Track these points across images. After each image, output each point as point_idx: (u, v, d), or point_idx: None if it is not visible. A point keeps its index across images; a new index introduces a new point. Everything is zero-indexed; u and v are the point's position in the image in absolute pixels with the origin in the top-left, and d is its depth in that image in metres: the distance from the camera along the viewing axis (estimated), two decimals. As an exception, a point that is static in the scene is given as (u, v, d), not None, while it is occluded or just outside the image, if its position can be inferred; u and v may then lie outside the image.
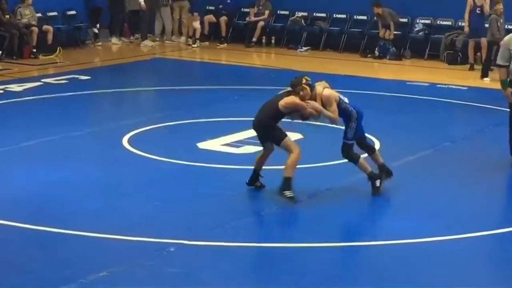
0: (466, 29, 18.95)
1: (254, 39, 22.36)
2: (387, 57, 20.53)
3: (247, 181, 9.80)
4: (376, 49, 20.67)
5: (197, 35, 22.44)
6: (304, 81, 9.55)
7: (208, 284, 7.32)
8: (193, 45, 22.34)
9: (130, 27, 23.10)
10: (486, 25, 18.34)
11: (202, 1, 23.13)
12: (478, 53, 19.64)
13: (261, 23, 22.35)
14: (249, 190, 9.77)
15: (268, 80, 17.74)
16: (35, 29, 19.73)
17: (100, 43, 22.04)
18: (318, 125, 13.00)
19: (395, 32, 20.66)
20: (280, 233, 8.70)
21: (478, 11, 18.75)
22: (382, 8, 20.40)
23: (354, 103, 9.82)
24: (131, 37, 22.96)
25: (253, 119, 9.64)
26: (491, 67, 17.66)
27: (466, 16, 18.88)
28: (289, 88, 9.59)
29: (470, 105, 15.40)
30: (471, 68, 18.98)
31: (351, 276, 7.60)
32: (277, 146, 9.52)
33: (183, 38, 22.99)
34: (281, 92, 9.69)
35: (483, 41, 18.55)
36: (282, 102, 9.44)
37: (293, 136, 12.24)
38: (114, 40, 22.37)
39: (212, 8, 23.23)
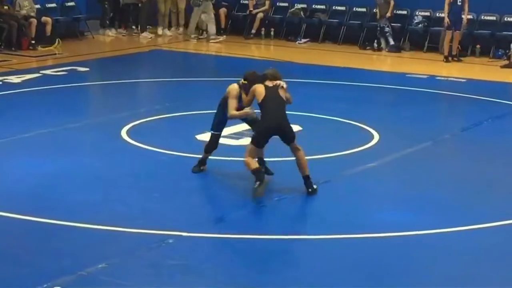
0: (446, 19, 18.96)
1: (253, 31, 22.33)
2: (387, 49, 20.51)
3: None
4: (378, 32, 20.61)
5: (181, 22, 22.50)
6: None
7: (207, 276, 7.32)
8: (199, 36, 22.29)
9: (122, 20, 22.94)
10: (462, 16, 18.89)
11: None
12: (478, 45, 19.69)
13: (260, 15, 22.31)
14: (247, 183, 9.75)
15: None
16: (34, 21, 19.70)
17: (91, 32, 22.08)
18: (316, 117, 13.05)
19: (393, 24, 20.64)
20: (278, 225, 8.69)
21: (459, 3, 18.83)
22: None
23: None
24: (124, 30, 22.80)
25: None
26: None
27: (446, 7, 18.95)
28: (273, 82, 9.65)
29: (469, 97, 15.40)
30: (447, 60, 18.97)
31: (348, 268, 7.60)
32: (291, 143, 9.46)
33: (181, 30, 22.95)
34: (269, 85, 9.56)
35: (458, 34, 18.73)
36: (287, 97, 9.67)
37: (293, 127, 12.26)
38: (107, 31, 22.31)
39: (211, -1, 23.17)
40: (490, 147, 11.91)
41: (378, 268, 7.59)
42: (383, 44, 20.64)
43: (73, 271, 7.22)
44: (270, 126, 9.43)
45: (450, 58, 19.00)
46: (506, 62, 18.56)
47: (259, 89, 9.49)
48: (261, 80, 9.61)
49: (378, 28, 20.60)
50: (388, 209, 9.07)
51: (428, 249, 8.06)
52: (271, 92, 9.48)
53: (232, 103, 9.74)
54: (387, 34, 20.54)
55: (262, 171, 9.40)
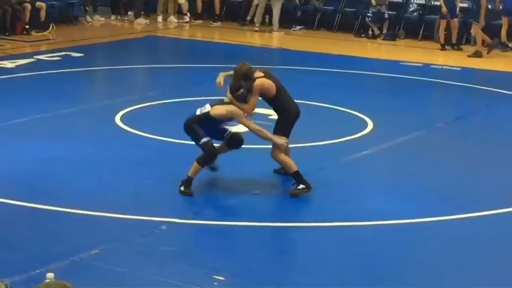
0: (444, 9, 18.90)
1: (248, 18, 22.27)
2: (382, 35, 20.48)
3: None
4: (367, 17, 20.59)
5: (184, 10, 22.39)
6: None
7: (199, 262, 7.32)
8: (192, 21, 22.24)
9: (118, 6, 22.85)
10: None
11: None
12: (472, 33, 19.71)
13: (256, 1, 22.23)
14: (241, 170, 9.75)
15: (262, 59, 17.68)
16: (28, 6, 19.62)
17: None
18: (310, 104, 13.05)
19: (389, 12, 20.62)
20: (271, 212, 8.71)
21: None
22: None
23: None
24: (113, 16, 22.70)
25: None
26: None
27: None
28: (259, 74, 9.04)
29: (463, 86, 15.40)
30: (443, 48, 18.96)
31: (341, 255, 7.61)
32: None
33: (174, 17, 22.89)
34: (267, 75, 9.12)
35: (455, 21, 18.75)
36: None
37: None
38: (96, 17, 22.25)
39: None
40: (484, 136, 11.92)
41: (371, 256, 7.60)
42: (376, 31, 20.59)
43: (66, 256, 7.22)
44: (296, 112, 8.98)
45: (447, 47, 18.97)
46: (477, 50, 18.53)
47: (268, 84, 8.85)
48: (251, 78, 8.87)
49: (370, 14, 20.55)
50: (381, 197, 9.07)
51: (421, 237, 8.08)
52: (275, 80, 8.99)
53: (250, 122, 8.91)
54: (387, 20, 20.53)
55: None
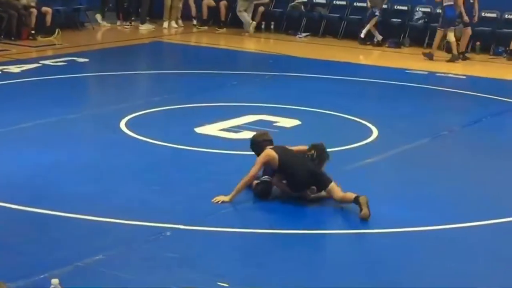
0: (466, 18, 18.86)
1: (254, 24, 22.31)
2: (387, 43, 20.51)
3: None
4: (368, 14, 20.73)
5: (179, 15, 22.62)
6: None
7: (204, 269, 7.31)
8: (198, 27, 22.44)
9: (124, 11, 22.91)
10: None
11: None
12: (478, 42, 19.71)
13: (261, 8, 22.28)
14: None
15: (266, 66, 17.69)
16: (34, 11, 19.66)
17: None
18: (315, 111, 13.06)
19: (393, 19, 20.64)
20: (276, 219, 8.69)
21: (471, 0, 18.83)
22: None
23: None
24: (125, 22, 22.77)
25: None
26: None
27: (461, 5, 18.85)
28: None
29: (469, 94, 15.40)
30: (461, 57, 18.93)
31: (344, 263, 7.60)
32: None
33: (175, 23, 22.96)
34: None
35: (469, 30, 18.76)
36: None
37: (290, 121, 12.27)
38: (103, 22, 22.35)
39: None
40: (489, 144, 11.91)
41: (375, 264, 7.59)
42: (378, 37, 20.65)
43: (71, 262, 7.21)
44: (303, 176, 9.05)
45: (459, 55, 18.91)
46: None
47: (271, 156, 9.08)
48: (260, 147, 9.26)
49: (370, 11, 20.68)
50: (385, 205, 9.05)
51: (425, 245, 8.06)
52: (281, 151, 9.16)
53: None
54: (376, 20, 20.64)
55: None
